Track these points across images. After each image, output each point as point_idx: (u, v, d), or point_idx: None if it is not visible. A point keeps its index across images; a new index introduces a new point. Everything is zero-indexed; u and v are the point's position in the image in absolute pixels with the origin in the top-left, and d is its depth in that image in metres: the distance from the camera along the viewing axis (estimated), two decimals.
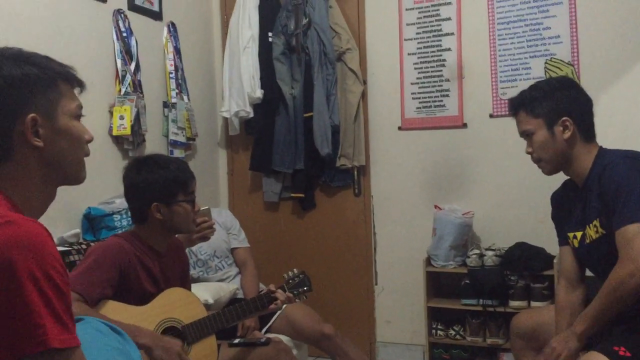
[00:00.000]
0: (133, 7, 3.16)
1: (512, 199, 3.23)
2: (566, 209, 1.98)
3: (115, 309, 1.87)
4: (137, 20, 3.18)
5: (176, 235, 2.25)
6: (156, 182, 2.00)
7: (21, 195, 1.11)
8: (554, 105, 1.86)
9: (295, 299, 2.22)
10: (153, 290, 1.98)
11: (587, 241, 1.86)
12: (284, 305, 2.70)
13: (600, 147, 1.89)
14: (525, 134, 1.92)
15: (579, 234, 1.90)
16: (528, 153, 1.94)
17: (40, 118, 1.12)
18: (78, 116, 1.20)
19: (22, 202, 1.11)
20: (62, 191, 1.36)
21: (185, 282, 2.18)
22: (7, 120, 1.10)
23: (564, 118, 1.85)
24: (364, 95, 3.52)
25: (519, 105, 1.92)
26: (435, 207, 3.31)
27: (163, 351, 1.82)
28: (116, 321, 1.79)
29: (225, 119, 3.77)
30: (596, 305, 1.75)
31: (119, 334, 1.46)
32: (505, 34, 3.26)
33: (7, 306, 0.93)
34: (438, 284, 3.34)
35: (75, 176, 1.22)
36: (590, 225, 1.83)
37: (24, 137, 1.11)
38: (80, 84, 1.23)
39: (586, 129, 1.88)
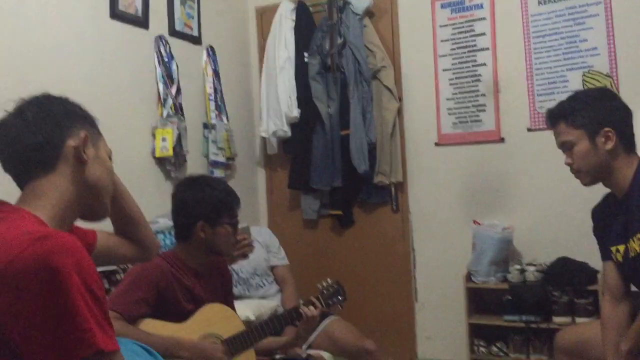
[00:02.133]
0: (173, 32, 3.27)
1: (553, 213, 3.19)
2: (607, 222, 1.96)
3: (154, 327, 1.91)
4: (177, 45, 3.28)
5: None
6: (205, 201, 2.06)
7: (49, 211, 1.15)
8: (596, 116, 1.84)
9: (329, 308, 2.25)
10: (192, 307, 2.03)
11: (632, 255, 1.83)
12: (325, 321, 2.73)
13: None
14: (566, 146, 1.91)
15: (621, 248, 1.88)
16: (567, 164, 1.93)
17: (89, 139, 1.22)
18: (110, 159, 1.31)
19: (49, 219, 1.15)
20: None
21: (228, 300, 2.22)
22: (62, 133, 1.19)
23: (606, 129, 1.83)
24: (399, 112, 3.55)
25: (559, 117, 1.91)
26: (474, 222, 3.29)
27: None
28: (157, 335, 1.85)
29: (264, 139, 3.84)
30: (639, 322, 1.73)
31: (153, 356, 1.51)
32: (541, 48, 3.25)
33: (54, 313, 0.97)
34: (479, 300, 3.31)
35: (105, 205, 1.28)
36: (634, 238, 1.81)
37: (72, 151, 1.19)
38: None
39: (627, 140, 1.86)
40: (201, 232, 2.05)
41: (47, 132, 1.18)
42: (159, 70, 3.12)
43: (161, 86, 3.12)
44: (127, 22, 2.97)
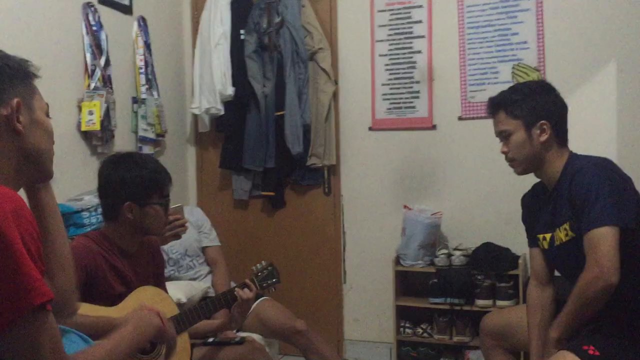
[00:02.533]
0: (103, 0, 3.10)
1: (480, 200, 3.30)
2: (535, 211, 2.04)
3: (85, 310, 1.82)
4: (107, 14, 3.12)
5: None
6: (132, 181, 1.96)
7: None
8: (534, 108, 1.91)
9: (264, 291, 2.24)
10: (122, 290, 1.95)
11: (557, 243, 1.92)
12: (255, 303, 2.72)
13: (571, 152, 1.95)
14: (503, 135, 1.96)
15: (548, 236, 1.96)
16: (503, 152, 1.98)
17: (23, 105, 1.12)
18: (47, 115, 1.21)
19: None
20: None
21: (160, 281, 2.15)
22: None
23: (542, 121, 1.90)
24: (335, 95, 3.55)
25: (499, 106, 1.96)
26: (405, 207, 3.35)
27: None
28: (89, 316, 1.77)
29: (195, 116, 3.74)
30: (567, 310, 1.80)
31: (86, 342, 1.45)
32: (475, 39, 3.33)
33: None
34: (406, 282, 3.39)
35: (48, 170, 1.21)
36: (560, 228, 1.89)
37: (5, 122, 1.09)
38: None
39: (561, 134, 1.94)
40: (129, 213, 1.97)
41: None
42: (86, 39, 2.96)
43: (89, 56, 2.96)
44: None
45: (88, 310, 1.82)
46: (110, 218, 2.03)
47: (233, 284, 2.92)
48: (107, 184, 2.02)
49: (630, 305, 1.79)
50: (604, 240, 1.69)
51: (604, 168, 1.81)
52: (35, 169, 1.16)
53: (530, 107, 1.90)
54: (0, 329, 0.92)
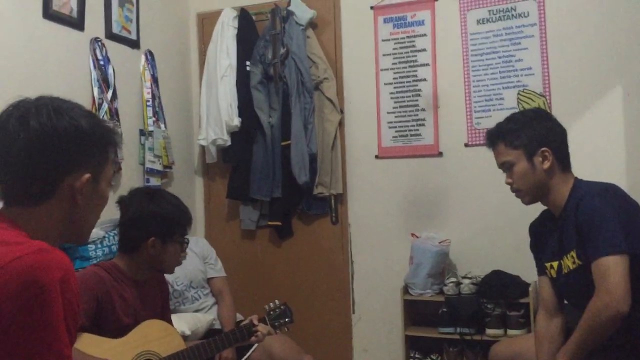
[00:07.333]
0: (110, 35, 3.16)
1: (488, 226, 3.27)
2: (543, 239, 2.01)
3: (91, 343, 1.83)
4: (114, 49, 3.17)
5: None
6: (161, 217, 2.01)
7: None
8: (533, 136, 1.90)
9: (276, 330, 2.21)
10: (129, 321, 1.96)
11: (564, 271, 1.89)
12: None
13: (576, 177, 1.93)
14: (505, 166, 1.95)
15: (555, 264, 1.93)
16: (508, 184, 1.97)
17: (91, 179, 1.13)
18: (110, 183, 1.23)
19: None
20: None
21: (165, 313, 2.15)
22: (64, 168, 1.09)
23: (543, 148, 1.89)
24: (341, 124, 3.56)
25: (498, 138, 1.95)
26: (412, 235, 3.32)
27: None
28: (91, 356, 1.76)
29: (202, 147, 3.76)
30: (575, 338, 1.77)
31: None
32: (479, 66, 3.33)
33: (32, 325, 0.94)
34: (415, 312, 3.34)
35: (86, 238, 1.22)
36: (567, 255, 1.86)
37: (70, 191, 1.10)
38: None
39: (563, 159, 1.92)
40: (151, 248, 2.01)
41: (46, 162, 1.07)
42: (94, 74, 3.01)
43: (96, 90, 3.01)
44: (61, 22, 2.85)
45: (94, 342, 1.82)
46: (128, 250, 2.05)
47: (239, 316, 2.90)
48: (135, 218, 2.04)
49: None
50: (613, 269, 1.66)
51: (610, 194, 1.79)
52: (75, 234, 1.17)
53: (530, 136, 1.89)
54: None
